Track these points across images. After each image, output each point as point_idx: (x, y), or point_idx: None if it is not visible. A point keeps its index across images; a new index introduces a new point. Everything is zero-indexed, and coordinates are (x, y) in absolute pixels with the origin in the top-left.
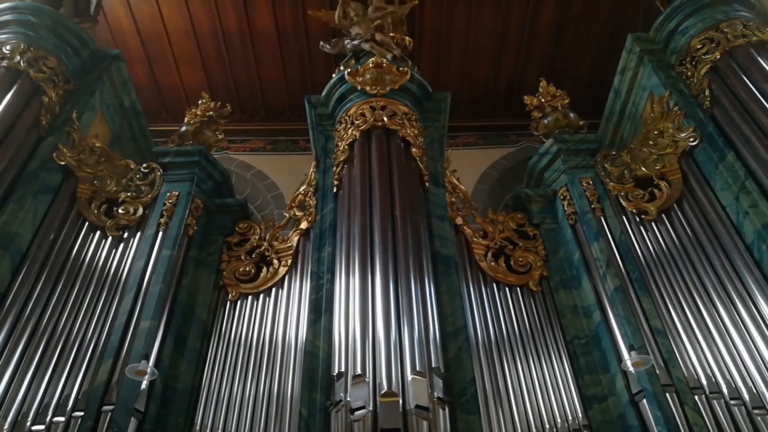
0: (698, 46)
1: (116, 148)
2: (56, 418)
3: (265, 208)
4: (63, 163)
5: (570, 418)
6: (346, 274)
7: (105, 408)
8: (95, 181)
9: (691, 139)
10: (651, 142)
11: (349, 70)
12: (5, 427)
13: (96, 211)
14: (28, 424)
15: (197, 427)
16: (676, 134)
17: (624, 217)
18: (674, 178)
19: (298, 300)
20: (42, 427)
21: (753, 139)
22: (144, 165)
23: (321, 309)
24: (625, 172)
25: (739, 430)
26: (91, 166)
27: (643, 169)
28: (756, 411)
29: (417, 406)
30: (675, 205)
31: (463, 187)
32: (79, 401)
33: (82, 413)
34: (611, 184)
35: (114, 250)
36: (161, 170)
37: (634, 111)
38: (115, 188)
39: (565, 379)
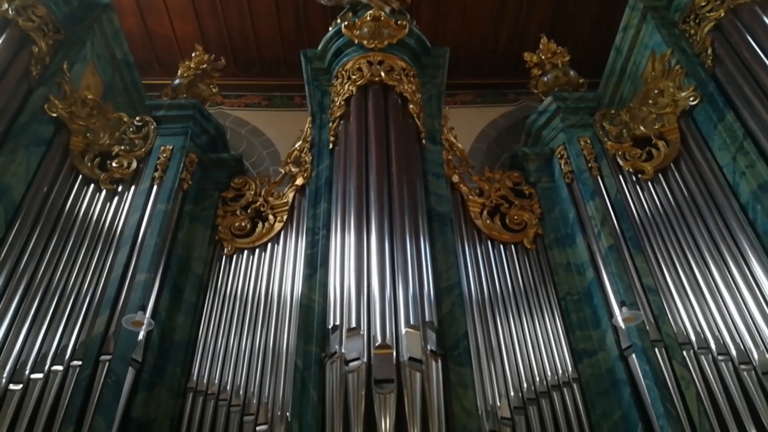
0: (702, 4)
1: (109, 100)
2: (54, 367)
3: (260, 165)
4: (54, 115)
5: (560, 371)
6: (341, 231)
7: (103, 357)
8: (88, 134)
9: (692, 99)
10: (650, 101)
11: (346, 23)
12: (4, 375)
13: (89, 164)
14: (27, 372)
15: (194, 377)
16: (676, 93)
17: (620, 177)
18: (672, 137)
19: (294, 255)
20: (40, 375)
21: (754, 99)
22: (137, 118)
23: (317, 264)
24: (624, 131)
25: (725, 384)
26: (83, 119)
27: (642, 128)
28: (743, 366)
29: (410, 358)
30: (672, 164)
31: (460, 145)
32: (77, 351)
33: (80, 362)
34: (609, 143)
35: (108, 204)
36: (155, 124)
37: (635, 69)
38: (108, 141)
39: (556, 335)
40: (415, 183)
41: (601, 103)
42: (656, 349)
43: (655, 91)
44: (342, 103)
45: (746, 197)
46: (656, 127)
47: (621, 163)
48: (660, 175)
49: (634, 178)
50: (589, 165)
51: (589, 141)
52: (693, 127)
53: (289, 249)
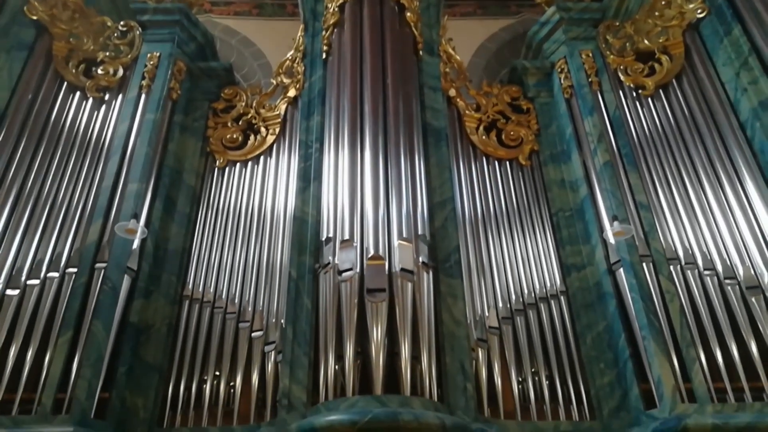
0: None
1: (91, 5)
2: (50, 274)
3: (251, 77)
4: (35, 17)
5: (548, 285)
6: (335, 145)
7: (98, 265)
8: (71, 39)
9: (699, 11)
10: (657, 14)
11: None
12: (0, 281)
13: (74, 71)
14: (23, 278)
15: (190, 286)
16: (684, 5)
17: (621, 92)
18: (677, 52)
19: (287, 168)
20: (37, 281)
21: (763, 13)
22: (122, 23)
23: (310, 177)
24: (627, 44)
25: (708, 297)
26: (65, 23)
27: (646, 42)
28: (727, 281)
29: (402, 269)
30: (674, 80)
31: (458, 57)
32: (71, 258)
33: (75, 269)
34: (611, 57)
35: (96, 112)
36: (140, 29)
37: None
38: (92, 47)
39: (546, 250)
40: (411, 96)
41: (606, 15)
42: (644, 264)
43: (662, 3)
44: (336, 9)
45: (746, 114)
46: (661, 40)
47: (622, 78)
48: (661, 91)
49: (634, 94)
50: (590, 80)
51: (591, 54)
52: (698, 41)
53: (282, 162)
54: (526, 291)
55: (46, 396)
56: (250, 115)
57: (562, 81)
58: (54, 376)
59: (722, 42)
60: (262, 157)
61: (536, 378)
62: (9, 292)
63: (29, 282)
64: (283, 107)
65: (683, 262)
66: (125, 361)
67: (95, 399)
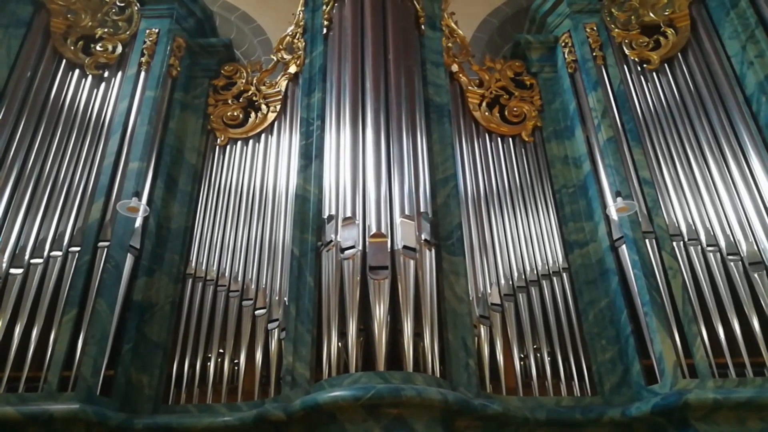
0: None
1: None
2: (54, 252)
3: (251, 54)
4: None
5: (551, 261)
6: (336, 122)
7: (101, 244)
8: (69, 15)
9: None
10: None
11: None
12: (4, 260)
13: (72, 48)
14: (27, 257)
15: (193, 264)
16: None
17: (625, 66)
18: (682, 25)
19: (288, 146)
20: (40, 260)
21: None
22: None
23: (311, 155)
24: (632, 17)
25: (711, 273)
26: None
27: (652, 14)
28: (730, 257)
29: (404, 247)
30: (679, 54)
31: (460, 32)
32: (74, 237)
33: (78, 248)
34: (616, 30)
35: (95, 90)
36: (138, 5)
37: None
38: (90, 23)
39: (549, 227)
40: (413, 71)
41: None
42: (647, 240)
43: None
44: None
45: (752, 89)
46: (666, 13)
47: (627, 52)
48: (666, 65)
49: (639, 68)
50: (594, 54)
51: (595, 28)
52: (704, 13)
53: (284, 140)
54: (528, 268)
55: (52, 374)
56: (250, 92)
57: (565, 55)
58: (59, 354)
59: (728, 14)
60: (263, 135)
61: (538, 354)
62: (13, 271)
63: (32, 261)
64: (283, 84)
65: (686, 239)
66: (130, 339)
67: (100, 376)
